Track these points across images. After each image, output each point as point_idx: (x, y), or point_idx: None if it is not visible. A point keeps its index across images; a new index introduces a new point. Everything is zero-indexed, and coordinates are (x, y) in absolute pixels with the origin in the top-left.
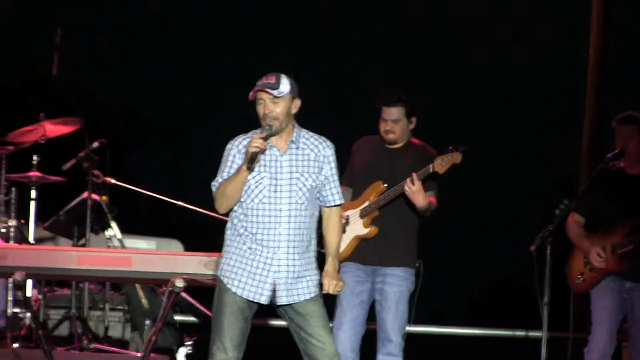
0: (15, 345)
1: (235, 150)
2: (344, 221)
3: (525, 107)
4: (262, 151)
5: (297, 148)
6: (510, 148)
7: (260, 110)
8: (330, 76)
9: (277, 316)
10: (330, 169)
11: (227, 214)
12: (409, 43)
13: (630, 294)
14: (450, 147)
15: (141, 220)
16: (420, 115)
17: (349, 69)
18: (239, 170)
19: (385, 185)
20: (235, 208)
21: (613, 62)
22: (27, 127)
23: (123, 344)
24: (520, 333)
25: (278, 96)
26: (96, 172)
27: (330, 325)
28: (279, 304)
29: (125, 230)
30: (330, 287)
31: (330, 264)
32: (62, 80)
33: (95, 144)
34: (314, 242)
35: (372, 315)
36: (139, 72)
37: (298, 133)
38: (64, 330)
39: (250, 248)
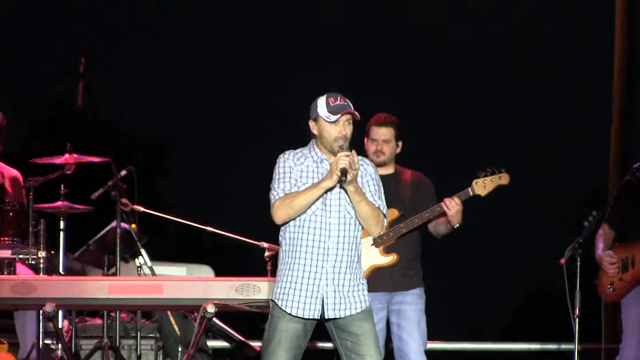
0: None
1: (291, 163)
2: None
3: (553, 117)
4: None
5: None
6: (543, 160)
7: (339, 129)
8: None
9: (326, 339)
10: (374, 184)
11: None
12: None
13: None
14: (489, 169)
15: (171, 246)
16: (405, 141)
17: None
18: (316, 185)
19: (401, 212)
20: (284, 228)
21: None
22: (54, 159)
23: None
24: (552, 346)
25: (356, 119)
26: (124, 200)
27: None
28: (327, 317)
29: (156, 256)
30: None
31: None
32: (89, 110)
33: (123, 172)
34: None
35: None
36: (169, 100)
37: None
38: None
39: (299, 264)
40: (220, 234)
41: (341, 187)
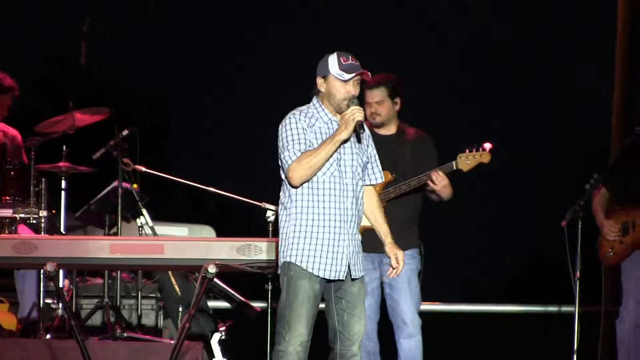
0: (48, 336)
1: (304, 124)
2: None
3: (554, 82)
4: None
5: None
6: (543, 125)
7: (349, 89)
8: None
9: None
10: (373, 147)
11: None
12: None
13: None
14: (475, 145)
15: (176, 209)
16: (404, 97)
17: None
18: (331, 140)
19: (394, 176)
20: (299, 189)
21: None
22: (55, 118)
23: (157, 331)
24: (552, 308)
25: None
26: (126, 160)
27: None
28: (353, 277)
29: (160, 218)
30: (399, 258)
31: (391, 237)
32: (92, 69)
33: (125, 132)
34: None
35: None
36: (172, 60)
37: None
38: (97, 319)
39: (321, 226)
40: (222, 195)
41: (358, 139)
